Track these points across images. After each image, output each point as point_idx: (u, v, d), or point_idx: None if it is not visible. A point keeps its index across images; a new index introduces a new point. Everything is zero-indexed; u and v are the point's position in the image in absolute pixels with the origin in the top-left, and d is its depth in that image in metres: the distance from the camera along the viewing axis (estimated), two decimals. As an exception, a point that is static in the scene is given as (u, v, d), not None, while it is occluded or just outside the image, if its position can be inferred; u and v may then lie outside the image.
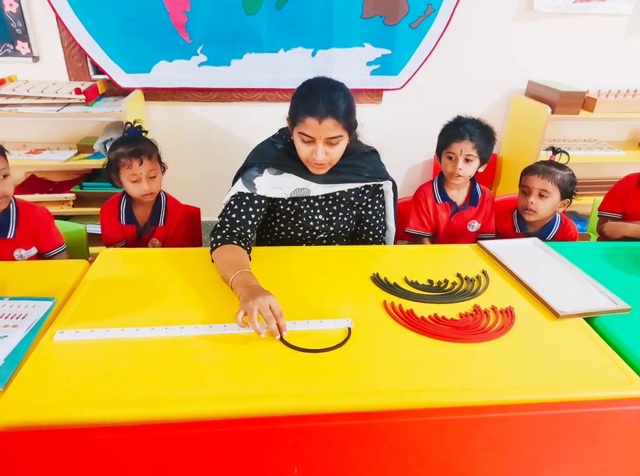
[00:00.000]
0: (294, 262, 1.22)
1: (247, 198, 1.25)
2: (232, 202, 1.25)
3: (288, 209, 1.31)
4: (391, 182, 1.37)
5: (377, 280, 1.16)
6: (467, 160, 1.45)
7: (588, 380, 0.88)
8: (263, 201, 1.26)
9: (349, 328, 0.98)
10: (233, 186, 1.29)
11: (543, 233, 1.54)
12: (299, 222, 1.32)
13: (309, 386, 0.84)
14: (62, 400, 0.78)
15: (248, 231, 1.24)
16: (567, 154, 1.52)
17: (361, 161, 1.30)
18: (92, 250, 1.54)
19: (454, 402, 0.82)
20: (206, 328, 0.96)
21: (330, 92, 1.13)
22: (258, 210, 1.25)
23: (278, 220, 1.35)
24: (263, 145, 1.32)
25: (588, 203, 1.97)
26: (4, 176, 1.25)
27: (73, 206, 2.20)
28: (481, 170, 1.51)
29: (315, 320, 1.00)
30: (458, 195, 1.55)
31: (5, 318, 0.97)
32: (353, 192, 1.33)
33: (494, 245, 1.34)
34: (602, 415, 0.81)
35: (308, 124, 1.12)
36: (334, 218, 1.35)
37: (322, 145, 1.15)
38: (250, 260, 1.18)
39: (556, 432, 0.77)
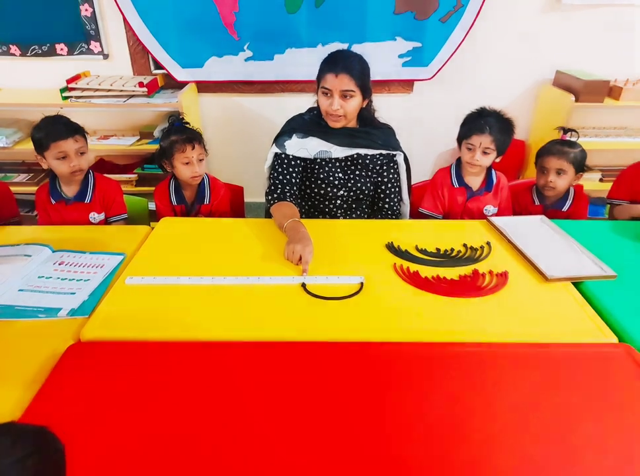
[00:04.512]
0: (322, 232, 1.37)
1: (285, 161, 1.53)
2: (276, 166, 1.54)
3: (314, 165, 1.56)
4: (402, 154, 1.59)
5: (391, 248, 1.32)
6: (484, 152, 1.55)
7: (565, 329, 1.02)
8: (298, 161, 1.54)
9: (361, 283, 1.16)
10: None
11: (559, 204, 1.67)
12: (322, 177, 1.56)
13: (325, 325, 1.03)
14: (132, 323, 1.03)
15: (295, 189, 1.54)
16: (577, 132, 1.65)
17: (376, 131, 1.56)
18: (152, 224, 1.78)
19: (439, 338, 0.99)
20: (244, 279, 1.17)
21: (347, 56, 1.45)
22: (297, 170, 1.54)
23: (305, 179, 1.59)
24: (293, 117, 1.62)
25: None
26: (82, 153, 1.50)
27: (135, 186, 2.49)
28: (497, 160, 1.60)
29: (334, 276, 1.18)
30: (474, 180, 1.65)
31: (87, 267, 1.23)
32: (369, 157, 1.56)
33: (502, 221, 1.47)
34: (576, 355, 0.95)
35: (327, 79, 1.41)
36: (352, 177, 1.57)
37: (338, 97, 1.41)
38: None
39: (533, 366, 0.91)
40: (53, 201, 1.55)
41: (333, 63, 1.42)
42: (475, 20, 2.33)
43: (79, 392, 0.85)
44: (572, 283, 1.18)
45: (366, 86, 1.46)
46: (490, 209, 1.68)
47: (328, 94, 1.43)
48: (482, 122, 1.54)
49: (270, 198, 1.51)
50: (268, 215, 1.57)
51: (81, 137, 1.51)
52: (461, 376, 0.90)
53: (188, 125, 1.61)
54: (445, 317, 1.07)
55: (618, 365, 0.92)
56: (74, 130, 1.49)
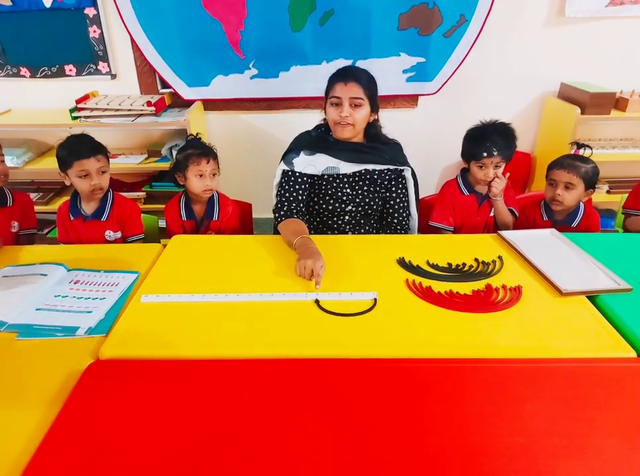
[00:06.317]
0: (331, 248, 1.38)
1: (292, 178, 1.54)
2: (283, 183, 1.55)
3: (321, 181, 1.57)
4: (410, 169, 1.60)
5: (402, 263, 1.32)
6: (496, 166, 1.59)
7: (582, 344, 1.00)
8: (305, 178, 1.54)
9: (375, 299, 1.16)
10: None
11: (568, 220, 1.63)
12: (330, 193, 1.57)
13: (340, 341, 1.03)
14: (149, 341, 1.03)
15: (302, 205, 1.55)
16: (590, 148, 1.61)
17: (383, 146, 1.57)
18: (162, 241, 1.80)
19: (454, 354, 0.99)
20: (258, 296, 1.17)
21: (355, 69, 1.52)
22: (303, 187, 1.55)
23: (313, 195, 1.60)
24: (300, 134, 1.64)
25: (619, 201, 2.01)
26: (103, 172, 1.55)
27: (144, 203, 2.51)
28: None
29: (346, 293, 1.18)
30: (482, 187, 1.68)
31: (102, 285, 1.24)
32: (377, 172, 1.57)
33: (513, 235, 1.46)
34: (594, 370, 0.93)
35: (336, 88, 1.45)
36: (359, 192, 1.58)
37: (347, 104, 1.44)
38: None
39: (551, 381, 0.90)
40: (72, 218, 1.60)
41: (342, 75, 1.47)
42: (479, 35, 2.35)
43: (102, 410, 0.85)
44: (586, 296, 1.17)
45: (374, 99, 1.49)
46: None
47: (338, 104, 1.46)
48: (489, 144, 1.56)
49: (277, 215, 1.53)
50: (277, 231, 1.57)
51: (103, 157, 1.56)
52: (477, 392, 0.89)
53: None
54: (461, 332, 1.05)
55: (638, 379, 0.91)
56: (96, 150, 1.54)
